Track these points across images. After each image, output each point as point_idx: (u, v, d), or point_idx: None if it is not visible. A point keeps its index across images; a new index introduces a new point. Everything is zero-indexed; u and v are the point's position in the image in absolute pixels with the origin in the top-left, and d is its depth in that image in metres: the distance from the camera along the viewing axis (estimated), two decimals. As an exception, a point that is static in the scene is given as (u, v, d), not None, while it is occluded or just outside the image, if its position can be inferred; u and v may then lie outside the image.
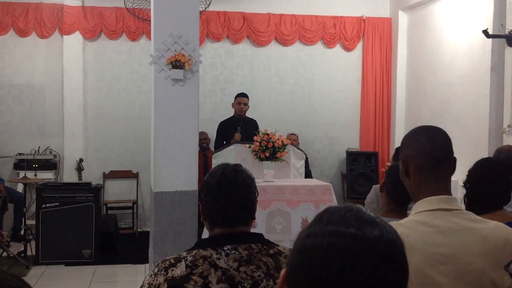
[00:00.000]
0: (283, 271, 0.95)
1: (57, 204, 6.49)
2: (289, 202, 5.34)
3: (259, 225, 5.21)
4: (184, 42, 4.80)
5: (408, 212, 2.60)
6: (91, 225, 6.52)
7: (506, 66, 6.24)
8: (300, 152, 6.31)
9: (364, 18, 8.93)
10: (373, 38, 8.95)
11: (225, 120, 7.53)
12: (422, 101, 8.24)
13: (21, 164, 7.85)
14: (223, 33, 8.58)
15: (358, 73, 9.05)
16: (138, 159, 8.40)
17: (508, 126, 6.13)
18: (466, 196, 2.70)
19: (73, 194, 6.55)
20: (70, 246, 6.46)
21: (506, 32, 6.13)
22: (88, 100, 8.38)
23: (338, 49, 8.97)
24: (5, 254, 6.37)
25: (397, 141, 8.52)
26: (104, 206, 8.04)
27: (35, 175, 7.63)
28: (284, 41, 8.76)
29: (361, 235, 0.88)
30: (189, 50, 4.80)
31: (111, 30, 8.31)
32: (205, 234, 3.61)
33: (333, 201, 5.49)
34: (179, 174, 4.82)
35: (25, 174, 7.42)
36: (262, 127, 6.49)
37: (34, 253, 6.48)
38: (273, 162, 5.59)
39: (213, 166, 2.44)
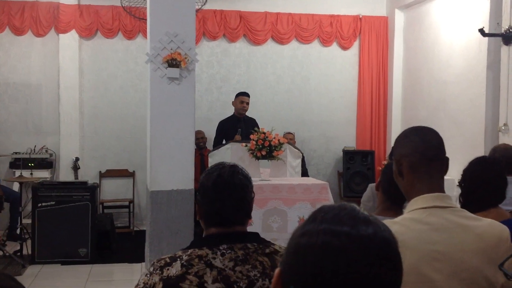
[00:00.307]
0: (277, 270, 0.94)
1: (53, 203, 6.46)
2: (286, 201, 5.34)
3: (255, 224, 5.21)
4: (180, 40, 4.80)
5: (403, 210, 2.60)
6: (87, 224, 6.50)
7: (502, 65, 6.25)
8: (297, 150, 6.31)
9: (360, 16, 8.93)
10: (369, 37, 8.95)
11: (225, 119, 7.50)
12: (419, 100, 8.25)
13: (17, 163, 7.83)
14: (219, 32, 8.58)
15: (355, 71, 9.05)
16: (134, 158, 8.39)
17: (504, 124, 6.14)
18: (461, 195, 2.71)
19: (69, 193, 6.53)
20: (66, 245, 6.44)
21: (502, 31, 6.14)
22: (84, 98, 8.37)
23: (334, 47, 8.97)
24: (1, 253, 6.36)
25: (393, 140, 8.40)
26: (101, 205, 8.03)
27: (31, 174, 7.62)
28: (280, 40, 8.76)
29: (355, 234, 0.88)
30: (185, 49, 4.79)
31: (107, 28, 8.29)
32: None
33: (330, 200, 5.50)
34: (175, 173, 4.82)
35: (21, 173, 7.40)
36: (259, 126, 6.51)
37: (30, 252, 6.46)
38: (269, 160, 5.59)
39: (209, 165, 2.43)
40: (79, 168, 8.01)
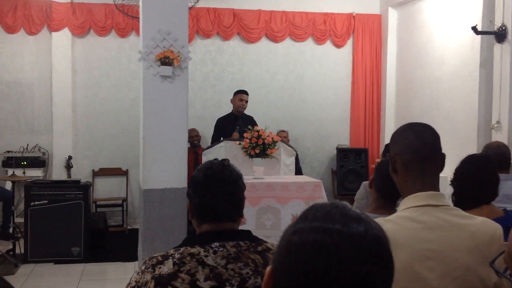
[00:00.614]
0: (269, 268, 0.94)
1: (45, 202, 6.44)
2: (279, 199, 5.34)
3: (249, 222, 5.21)
4: (173, 38, 4.78)
5: (397, 208, 2.60)
6: (80, 223, 6.48)
7: (495, 63, 6.26)
8: (290, 149, 6.31)
9: (354, 14, 8.93)
10: (363, 35, 8.96)
11: (223, 116, 7.51)
12: (412, 98, 8.27)
13: (10, 161, 7.79)
14: (213, 30, 8.56)
15: (348, 69, 9.06)
16: (127, 156, 8.37)
17: (497, 122, 6.16)
18: (454, 194, 2.71)
19: (62, 192, 6.50)
20: (59, 244, 6.41)
21: (495, 29, 6.15)
22: (77, 97, 8.33)
23: (328, 45, 8.98)
24: (-7, 252, 6.35)
25: (387, 138, 8.54)
26: (94, 204, 8.01)
27: (24, 173, 7.59)
28: (274, 38, 8.75)
29: (346, 231, 0.88)
30: (178, 47, 4.78)
31: (100, 26, 8.26)
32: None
33: (323, 198, 5.50)
34: (168, 171, 4.81)
35: (13, 172, 7.37)
36: (257, 124, 6.51)
37: (22, 251, 6.43)
38: (263, 159, 5.59)
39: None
40: (72, 166, 7.98)
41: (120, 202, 8.26)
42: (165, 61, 4.70)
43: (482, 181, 2.59)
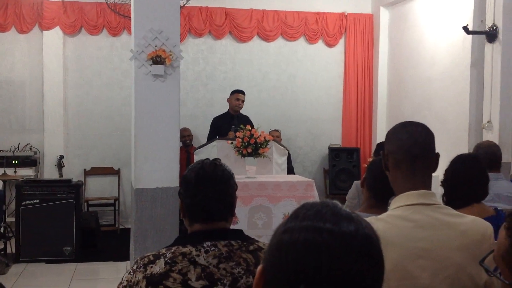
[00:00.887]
0: (259, 267, 0.94)
1: (37, 201, 6.41)
2: (271, 198, 5.35)
3: (241, 221, 5.21)
4: (164, 37, 4.77)
5: (388, 207, 2.61)
6: (71, 222, 6.46)
7: (486, 63, 6.29)
8: (283, 148, 6.31)
9: (346, 14, 8.95)
10: (355, 34, 8.98)
11: (219, 115, 7.49)
12: (403, 97, 8.29)
13: (1, 161, 7.72)
14: (205, 29, 8.55)
15: (340, 69, 9.07)
16: (119, 155, 8.34)
17: (488, 122, 6.19)
18: (444, 194, 2.72)
19: (54, 191, 6.48)
20: (51, 243, 6.39)
21: (486, 29, 6.18)
22: (69, 96, 8.30)
23: (320, 45, 8.99)
24: (-16, 252, 6.31)
25: (378, 137, 8.57)
26: (85, 203, 7.98)
27: (15, 172, 7.55)
28: (266, 37, 8.75)
29: (337, 230, 0.88)
30: (169, 46, 4.76)
31: (91, 25, 8.23)
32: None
33: (315, 197, 5.51)
34: (160, 171, 4.79)
35: (4, 171, 7.31)
36: (253, 124, 6.50)
37: (14, 250, 6.40)
38: (255, 158, 5.58)
39: (194, 162, 2.43)
40: (63, 166, 7.93)
41: (112, 201, 8.24)
42: (157, 60, 4.69)
43: (471, 181, 2.61)
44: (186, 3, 6.57)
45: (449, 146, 6.48)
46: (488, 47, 6.25)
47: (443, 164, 2.78)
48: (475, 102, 6.56)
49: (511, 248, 1.10)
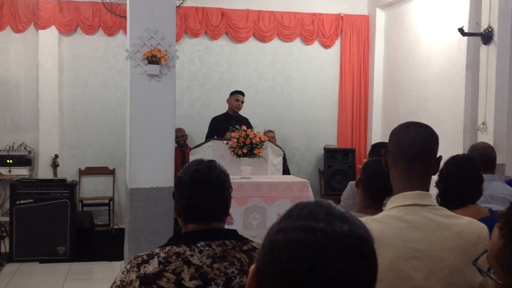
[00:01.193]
0: (252, 267, 0.94)
1: (31, 200, 6.39)
2: (266, 198, 5.34)
3: (236, 222, 5.21)
4: (160, 37, 4.76)
5: (383, 208, 2.61)
6: (66, 222, 6.44)
7: (481, 64, 6.31)
8: (278, 148, 6.31)
9: (342, 15, 8.96)
10: (351, 36, 8.99)
11: (218, 116, 7.48)
12: (399, 98, 8.31)
13: (-5, 160, 7.73)
14: (201, 29, 8.54)
15: (336, 70, 9.08)
16: (114, 155, 8.32)
17: (483, 123, 6.21)
18: (439, 195, 2.72)
19: (48, 190, 6.46)
20: (45, 243, 6.37)
21: (481, 31, 6.20)
22: (64, 95, 8.28)
23: (316, 46, 8.99)
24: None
25: (374, 138, 8.58)
26: (80, 203, 7.96)
27: (9, 171, 7.53)
28: (262, 38, 8.76)
29: (331, 230, 0.88)
30: (165, 46, 4.76)
31: (87, 25, 8.21)
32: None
33: (310, 198, 5.50)
34: (154, 170, 4.79)
35: (-1, 170, 7.32)
36: (251, 125, 6.49)
37: (8, 250, 6.38)
38: (250, 158, 5.58)
39: (189, 163, 2.42)
40: (58, 165, 7.92)
41: (106, 201, 8.22)
42: (152, 59, 4.68)
43: (466, 182, 2.61)
44: (181, 3, 6.56)
45: (444, 147, 6.44)
46: (483, 49, 6.27)
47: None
48: (470, 104, 6.57)
49: (504, 248, 1.10)
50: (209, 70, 8.70)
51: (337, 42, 9.05)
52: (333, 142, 9.08)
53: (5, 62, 8.10)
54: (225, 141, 5.75)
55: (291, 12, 8.79)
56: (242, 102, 7.31)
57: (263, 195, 5.35)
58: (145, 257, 1.78)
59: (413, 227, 1.71)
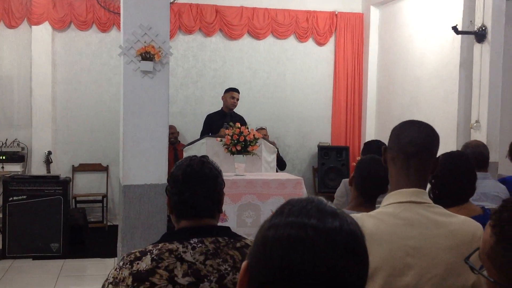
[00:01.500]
0: (244, 263, 0.94)
1: (24, 197, 6.37)
2: (260, 196, 5.35)
3: (230, 219, 5.21)
4: (154, 33, 4.75)
5: (377, 206, 2.62)
6: (59, 218, 6.43)
7: (475, 63, 6.33)
8: (272, 146, 6.32)
9: (336, 13, 8.96)
10: (345, 33, 9.00)
11: (212, 113, 7.45)
12: (393, 96, 8.32)
13: (-12, 156, 7.70)
14: (195, 26, 8.53)
15: (330, 68, 9.09)
16: (108, 152, 8.30)
17: (476, 121, 6.23)
18: (431, 191, 2.72)
19: (41, 187, 6.44)
20: (38, 239, 6.36)
21: (475, 29, 6.22)
22: (57, 91, 8.25)
23: (310, 43, 8.99)
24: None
25: (367, 136, 8.60)
26: (73, 200, 7.94)
27: (2, 167, 7.50)
28: (256, 35, 8.75)
29: (322, 227, 0.88)
30: (159, 42, 4.75)
31: (81, 21, 8.17)
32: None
33: (304, 195, 5.51)
34: (148, 167, 4.78)
35: (-9, 166, 7.29)
36: (246, 123, 6.48)
37: (0, 246, 6.36)
38: (244, 155, 5.58)
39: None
40: (51, 162, 7.90)
41: (100, 198, 8.20)
42: (146, 56, 4.67)
43: (460, 178, 2.60)
44: (175, 0, 6.54)
45: (438, 145, 6.50)
46: (477, 47, 6.29)
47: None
48: (463, 102, 6.60)
49: (496, 246, 1.11)
50: (203, 67, 8.69)
51: (331, 40, 9.05)
52: (327, 140, 9.09)
53: (-2, 58, 8.06)
54: (219, 138, 5.74)
55: (285, 10, 8.78)
56: (237, 100, 7.29)
57: (256, 192, 5.35)
58: (138, 254, 1.78)
59: (408, 224, 1.72)
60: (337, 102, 9.04)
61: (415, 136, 1.80)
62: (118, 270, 1.77)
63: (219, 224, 1.95)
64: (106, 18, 8.16)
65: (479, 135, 6.06)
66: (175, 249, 1.78)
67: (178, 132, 8.34)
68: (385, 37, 8.63)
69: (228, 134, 5.49)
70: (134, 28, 4.73)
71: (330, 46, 9.05)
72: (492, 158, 5.01)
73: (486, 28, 6.12)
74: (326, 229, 0.88)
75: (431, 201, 1.80)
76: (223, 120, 6.94)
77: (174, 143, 8.07)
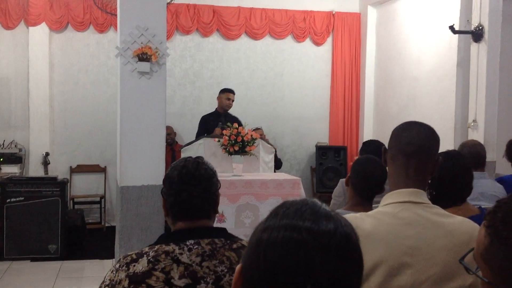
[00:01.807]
0: (238, 266, 0.94)
1: (22, 198, 6.37)
2: (258, 196, 5.34)
3: (228, 220, 5.20)
4: (150, 34, 4.74)
5: (375, 205, 2.62)
6: (57, 220, 6.42)
7: (472, 62, 6.33)
8: (269, 146, 6.31)
9: (333, 13, 8.97)
10: (342, 33, 9.00)
11: (207, 114, 7.42)
12: (390, 96, 8.33)
13: (-15, 158, 7.69)
14: (192, 26, 8.52)
15: (328, 67, 9.09)
16: (106, 153, 8.30)
17: (473, 121, 6.23)
18: (428, 192, 2.71)
19: (39, 188, 6.43)
20: (36, 241, 6.35)
21: (472, 29, 6.22)
22: (55, 92, 8.24)
23: (307, 43, 9.00)
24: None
25: (365, 135, 8.60)
26: (71, 201, 7.93)
27: (0, 169, 7.48)
28: (254, 35, 8.75)
29: (316, 229, 0.88)
30: (156, 43, 4.74)
31: (78, 21, 8.17)
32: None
33: (302, 195, 5.51)
34: (145, 168, 4.77)
35: (-11, 168, 7.28)
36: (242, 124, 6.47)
37: (-2, 248, 6.36)
38: (242, 156, 5.58)
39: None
40: (49, 163, 7.89)
41: (98, 199, 8.19)
42: (143, 57, 4.66)
43: (456, 179, 2.60)
44: (172, 0, 6.53)
45: (435, 145, 6.50)
46: (474, 46, 6.29)
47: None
48: (460, 101, 6.60)
49: (491, 246, 1.11)
50: (201, 68, 8.68)
51: (329, 40, 9.05)
52: (324, 140, 9.09)
53: (-5, 59, 8.05)
54: (216, 139, 5.73)
55: (282, 10, 8.78)
56: (233, 101, 7.26)
57: (254, 193, 5.34)
58: (134, 256, 1.78)
59: (406, 224, 1.73)
60: (335, 102, 9.04)
61: (415, 137, 1.82)
62: (114, 272, 1.77)
63: (217, 225, 1.95)
64: (103, 19, 8.16)
65: (477, 135, 6.06)
66: (171, 250, 1.77)
67: (175, 132, 8.33)
68: (382, 36, 8.64)
69: (226, 135, 5.49)
70: (130, 29, 4.72)
71: (327, 46, 9.06)
72: (490, 157, 5.02)
73: (483, 27, 6.12)
74: (320, 231, 0.88)
75: (429, 202, 1.81)
76: (218, 121, 6.91)
77: (171, 144, 8.06)
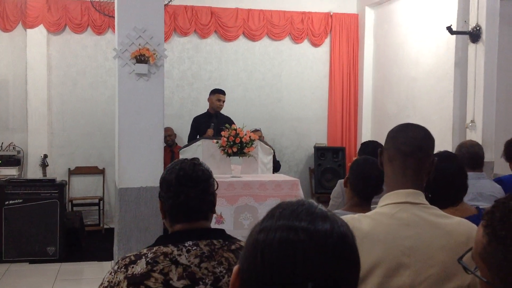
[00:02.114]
0: (236, 267, 0.94)
1: (20, 201, 6.36)
2: (257, 197, 5.34)
3: (227, 221, 5.20)
4: (148, 36, 4.74)
5: (373, 206, 2.62)
6: (55, 222, 6.42)
7: (470, 62, 6.34)
8: (268, 147, 6.31)
9: (331, 14, 8.97)
10: (340, 34, 9.01)
11: (199, 115, 7.41)
12: (388, 97, 8.33)
13: (-16, 160, 7.68)
14: (190, 28, 8.52)
15: (326, 68, 9.09)
16: (104, 155, 8.29)
17: (471, 121, 6.24)
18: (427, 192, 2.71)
19: (37, 190, 6.43)
20: (34, 243, 6.35)
21: (470, 29, 6.23)
22: (53, 95, 8.23)
23: (305, 44, 9.00)
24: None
25: (364, 136, 8.61)
26: (70, 203, 7.93)
27: (-2, 171, 7.48)
28: (252, 36, 8.75)
29: (312, 229, 0.88)
30: (153, 45, 4.74)
31: (76, 23, 8.16)
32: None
33: (300, 196, 5.51)
34: (143, 170, 4.77)
35: (-13, 170, 7.27)
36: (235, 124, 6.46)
37: (-3, 251, 6.35)
38: (240, 157, 5.58)
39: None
40: (47, 165, 7.87)
41: (96, 201, 8.18)
42: (141, 58, 4.66)
43: (454, 178, 2.60)
44: (169, 2, 6.53)
45: (433, 145, 6.51)
46: (471, 47, 6.31)
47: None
48: (458, 102, 6.61)
49: (489, 246, 1.11)
50: (199, 69, 8.68)
51: (327, 41, 9.06)
52: (323, 141, 9.09)
53: (-7, 61, 8.05)
54: (215, 140, 5.74)
55: (280, 11, 8.79)
56: (224, 102, 7.21)
57: (253, 194, 5.35)
58: (132, 258, 1.78)
59: (404, 225, 1.73)
60: (333, 102, 9.05)
61: (411, 136, 1.83)
62: (113, 274, 1.77)
63: (216, 226, 1.95)
64: (101, 20, 8.15)
65: (475, 135, 6.07)
66: (170, 252, 1.77)
67: (175, 134, 8.33)
68: (380, 37, 8.65)
69: (224, 136, 5.49)
70: (128, 31, 4.72)
71: (325, 47, 9.06)
72: (488, 157, 5.02)
73: (480, 28, 6.14)
74: (317, 231, 0.88)
75: (427, 202, 1.81)
76: (210, 122, 6.90)
77: (171, 145, 8.06)
